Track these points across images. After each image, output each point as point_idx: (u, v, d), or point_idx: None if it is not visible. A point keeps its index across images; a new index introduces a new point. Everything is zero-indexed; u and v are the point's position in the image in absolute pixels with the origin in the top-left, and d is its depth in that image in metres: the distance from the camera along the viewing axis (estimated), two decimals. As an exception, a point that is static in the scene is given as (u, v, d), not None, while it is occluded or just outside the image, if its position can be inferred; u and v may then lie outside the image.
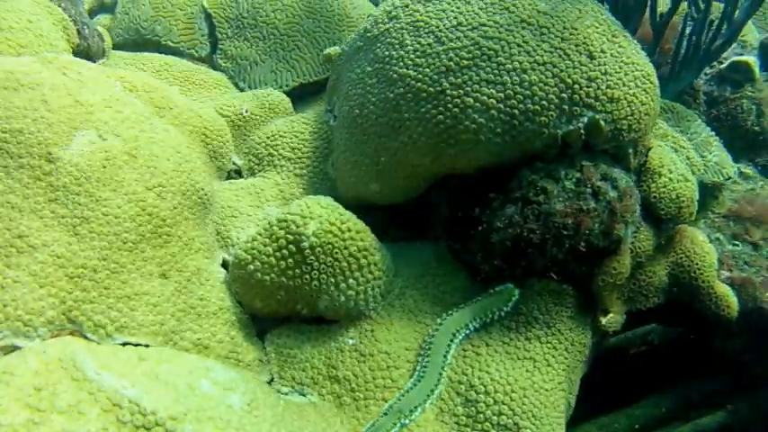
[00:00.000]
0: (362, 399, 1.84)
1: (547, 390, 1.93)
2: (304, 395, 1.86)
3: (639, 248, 2.24)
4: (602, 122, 2.00)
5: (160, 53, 3.00)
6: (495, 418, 1.82)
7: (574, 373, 2.07)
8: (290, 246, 1.84)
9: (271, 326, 1.99)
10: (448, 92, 1.95)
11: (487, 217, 2.04)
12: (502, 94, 1.92)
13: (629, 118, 2.05)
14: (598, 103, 1.98)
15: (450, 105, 1.94)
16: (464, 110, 1.92)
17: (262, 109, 2.64)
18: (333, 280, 1.88)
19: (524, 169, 2.03)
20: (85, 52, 2.55)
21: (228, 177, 2.40)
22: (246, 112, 2.59)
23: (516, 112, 1.92)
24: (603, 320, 2.21)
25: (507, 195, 2.03)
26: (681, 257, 2.34)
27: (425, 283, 2.14)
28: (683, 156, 2.54)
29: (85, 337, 1.58)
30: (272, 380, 1.89)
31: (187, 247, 1.88)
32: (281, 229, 1.86)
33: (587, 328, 2.13)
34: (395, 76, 2.08)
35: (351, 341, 1.95)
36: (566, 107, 1.95)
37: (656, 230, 2.30)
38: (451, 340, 1.96)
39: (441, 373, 1.88)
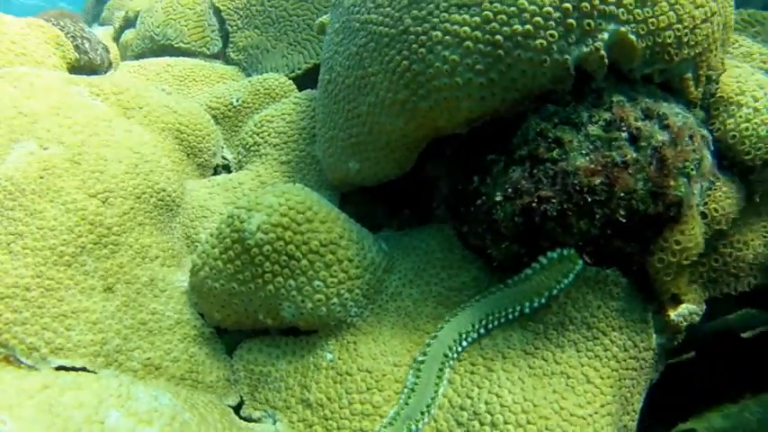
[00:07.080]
0: (336, 429, 1.50)
1: (583, 417, 1.42)
2: (275, 422, 1.58)
3: (717, 211, 1.61)
4: (632, 36, 1.44)
5: (174, 56, 2.92)
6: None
7: (630, 389, 1.53)
8: (236, 245, 1.56)
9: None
10: (411, 29, 1.53)
11: (487, 187, 1.58)
12: (477, 18, 1.45)
13: (675, 27, 1.46)
14: (621, 10, 1.43)
15: (414, 46, 1.52)
16: (432, 48, 1.49)
17: (256, 96, 2.41)
18: (292, 283, 1.57)
19: (531, 117, 1.54)
20: (88, 66, 2.54)
21: (216, 174, 2.21)
22: (237, 101, 2.38)
23: (500, 38, 1.44)
24: (674, 313, 1.62)
25: (510, 155, 1.56)
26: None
27: (427, 278, 1.73)
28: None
29: (19, 362, 1.46)
30: (241, 403, 1.64)
31: (139, 255, 1.71)
32: (227, 226, 1.60)
33: (648, 325, 1.57)
34: (357, 25, 1.71)
35: (329, 356, 1.62)
36: (572, 21, 1.42)
37: (743, 184, 1.65)
38: (450, 350, 1.54)
39: (433, 397, 1.48)
